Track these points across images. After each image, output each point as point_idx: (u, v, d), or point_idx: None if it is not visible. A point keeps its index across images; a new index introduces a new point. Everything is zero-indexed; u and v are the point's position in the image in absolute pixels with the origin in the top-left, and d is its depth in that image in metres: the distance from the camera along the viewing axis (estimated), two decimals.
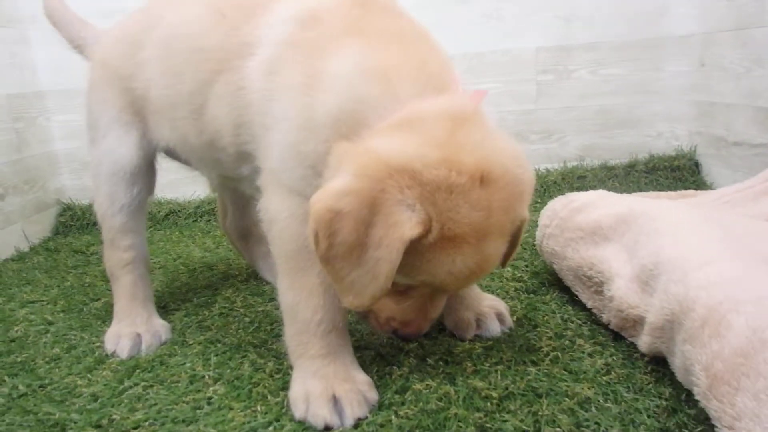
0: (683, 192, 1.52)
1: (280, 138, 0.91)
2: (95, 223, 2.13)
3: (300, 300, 0.92)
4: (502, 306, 1.13)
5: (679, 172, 2.12)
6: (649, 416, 0.83)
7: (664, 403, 0.86)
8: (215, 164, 1.12)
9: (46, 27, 2.13)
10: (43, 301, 1.47)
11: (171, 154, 1.23)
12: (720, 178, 2.00)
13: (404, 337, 0.95)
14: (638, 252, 1.00)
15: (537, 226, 1.33)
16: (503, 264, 0.94)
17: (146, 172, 1.23)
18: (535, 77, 2.18)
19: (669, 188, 2.05)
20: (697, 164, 2.13)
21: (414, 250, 0.77)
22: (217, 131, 1.03)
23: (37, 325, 1.31)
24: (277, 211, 0.93)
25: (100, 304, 1.41)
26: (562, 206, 1.25)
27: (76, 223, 2.17)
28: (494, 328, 1.09)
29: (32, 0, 2.05)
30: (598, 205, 1.18)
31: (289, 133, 0.90)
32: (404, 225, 0.75)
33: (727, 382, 0.70)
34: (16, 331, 1.29)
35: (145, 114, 1.17)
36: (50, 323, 1.32)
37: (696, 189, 2.00)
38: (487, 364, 0.99)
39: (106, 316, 1.32)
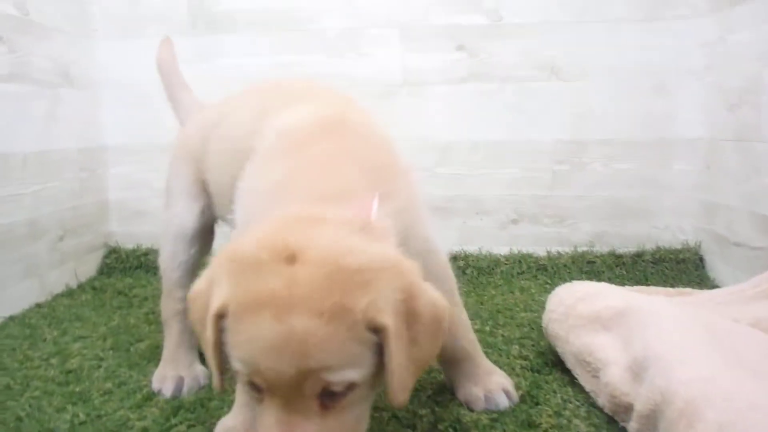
0: (681, 290, 1.65)
1: None
2: (137, 267, 2.32)
3: None
4: (508, 383, 1.24)
5: (684, 265, 2.22)
6: None
7: None
8: None
9: (112, 90, 2.41)
10: (93, 337, 1.62)
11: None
12: (722, 275, 2.10)
13: None
14: (632, 344, 1.12)
15: (545, 309, 1.45)
16: (391, 393, 0.83)
17: (205, 235, 1.43)
18: (551, 167, 2.35)
19: (674, 279, 2.15)
20: (701, 259, 2.24)
21: (229, 327, 0.80)
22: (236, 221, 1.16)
23: (90, 360, 1.46)
24: None
25: (145, 346, 1.56)
26: (568, 294, 1.39)
27: (119, 265, 2.35)
28: (502, 402, 1.20)
29: (104, 67, 2.39)
30: (599, 296, 1.32)
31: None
32: (214, 301, 0.81)
33: None
34: (72, 364, 1.44)
35: (208, 191, 1.38)
36: (101, 359, 1.47)
37: (699, 283, 2.11)
38: None
39: (150, 356, 1.46)
